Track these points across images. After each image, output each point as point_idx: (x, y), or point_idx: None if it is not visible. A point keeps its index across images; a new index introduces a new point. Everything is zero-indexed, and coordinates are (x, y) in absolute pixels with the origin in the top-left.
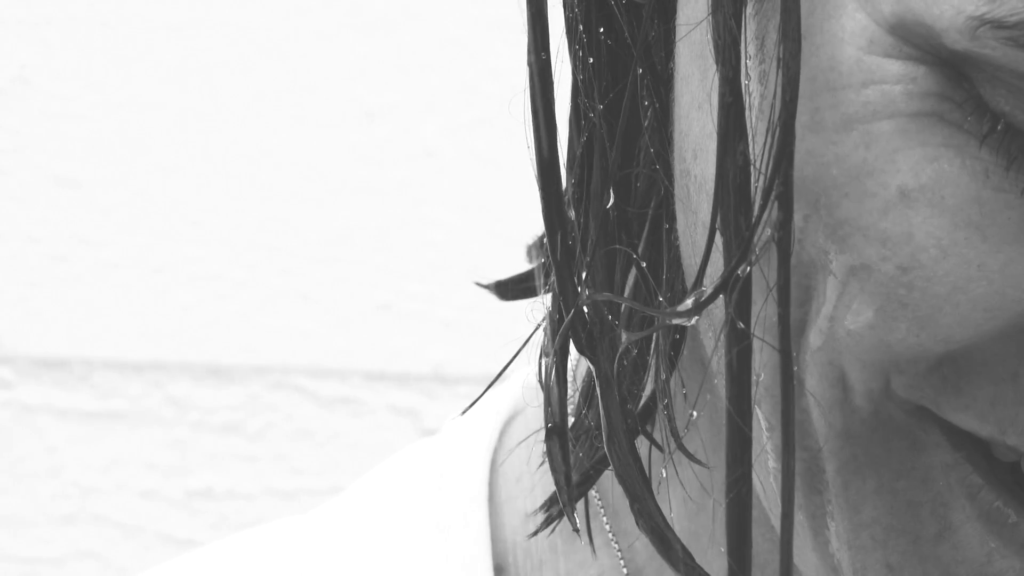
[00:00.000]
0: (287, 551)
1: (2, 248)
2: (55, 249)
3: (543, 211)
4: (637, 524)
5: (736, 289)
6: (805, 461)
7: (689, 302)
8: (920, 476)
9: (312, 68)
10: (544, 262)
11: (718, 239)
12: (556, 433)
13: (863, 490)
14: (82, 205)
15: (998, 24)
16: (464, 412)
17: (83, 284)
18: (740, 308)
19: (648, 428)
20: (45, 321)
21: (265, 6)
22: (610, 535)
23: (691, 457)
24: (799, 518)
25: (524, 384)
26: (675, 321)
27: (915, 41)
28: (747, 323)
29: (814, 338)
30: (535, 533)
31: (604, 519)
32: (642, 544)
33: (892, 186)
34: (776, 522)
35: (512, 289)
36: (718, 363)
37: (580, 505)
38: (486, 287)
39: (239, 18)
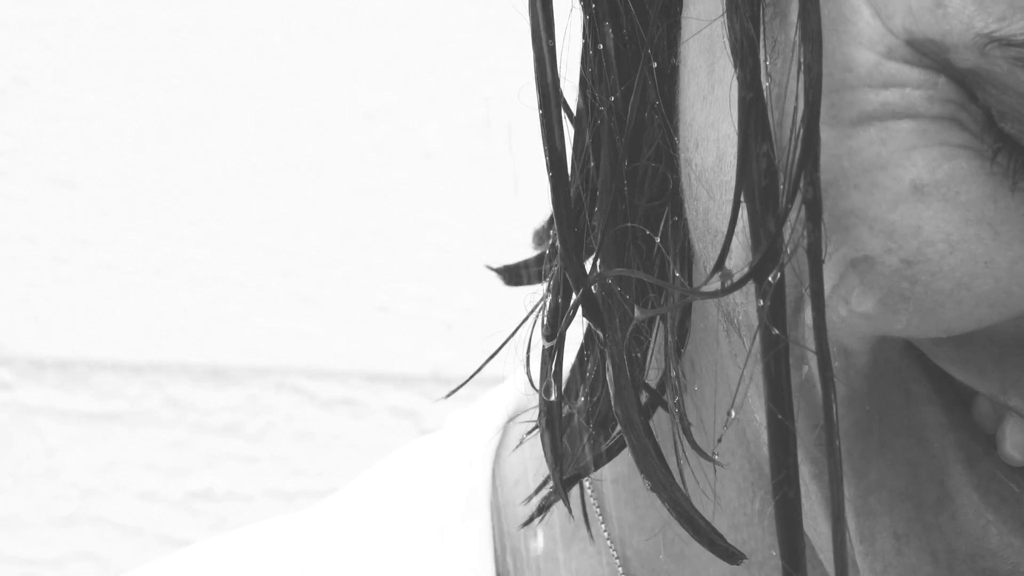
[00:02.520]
0: (281, 549)
1: (1, 249)
2: (54, 250)
3: (552, 195)
4: (648, 485)
5: (769, 295)
6: (813, 432)
7: (715, 285)
8: (917, 435)
9: (311, 69)
10: (551, 246)
11: (739, 232)
12: (549, 413)
13: (866, 452)
14: (81, 206)
15: (1007, 42)
16: (447, 396)
17: (82, 285)
18: (774, 314)
19: (650, 421)
20: (44, 322)
21: (264, 7)
22: (608, 542)
23: (704, 454)
24: (812, 488)
25: (524, 383)
26: (694, 298)
27: (928, 55)
28: (783, 330)
29: (809, 319)
30: (527, 523)
31: (602, 525)
32: (633, 551)
33: (905, 180)
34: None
35: (519, 274)
36: (739, 363)
37: (577, 505)
38: (496, 270)
39: (238, 19)
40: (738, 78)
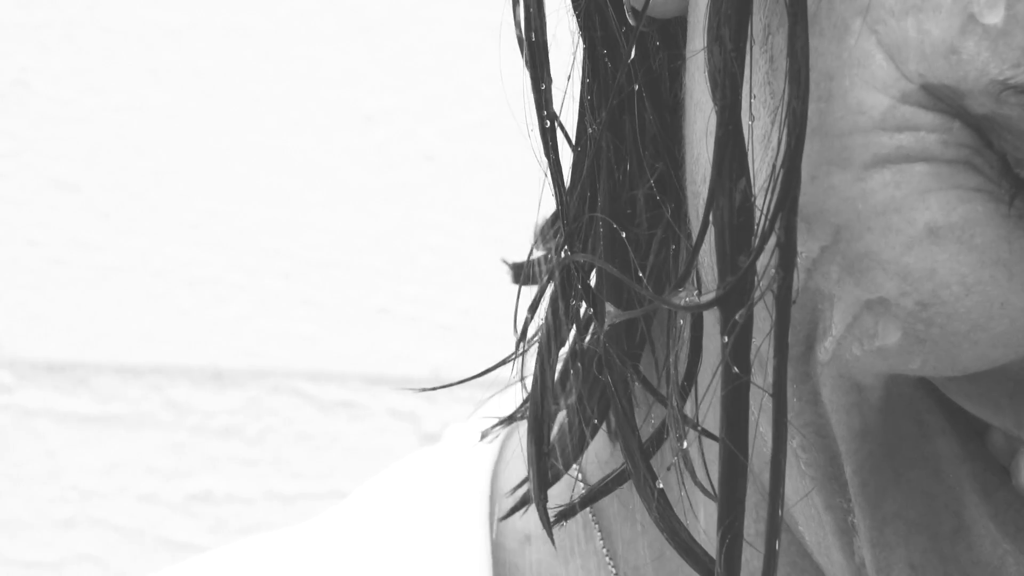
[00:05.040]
0: (288, 559)
1: (1, 251)
2: (54, 252)
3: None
4: (645, 505)
5: (735, 333)
6: (824, 465)
7: (687, 298)
8: (931, 467)
9: (311, 72)
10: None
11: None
12: (537, 421)
13: (881, 484)
14: (81, 208)
15: (1021, 89)
16: (423, 391)
17: (82, 288)
18: (737, 353)
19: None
20: (44, 325)
21: (264, 10)
22: (607, 558)
23: (706, 491)
24: (826, 519)
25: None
26: (662, 305)
27: (943, 100)
28: (745, 369)
29: (822, 355)
30: (507, 515)
31: (600, 541)
32: (631, 567)
33: (920, 223)
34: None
35: (528, 272)
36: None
37: (577, 520)
38: (511, 266)
39: (238, 22)
40: (716, 113)
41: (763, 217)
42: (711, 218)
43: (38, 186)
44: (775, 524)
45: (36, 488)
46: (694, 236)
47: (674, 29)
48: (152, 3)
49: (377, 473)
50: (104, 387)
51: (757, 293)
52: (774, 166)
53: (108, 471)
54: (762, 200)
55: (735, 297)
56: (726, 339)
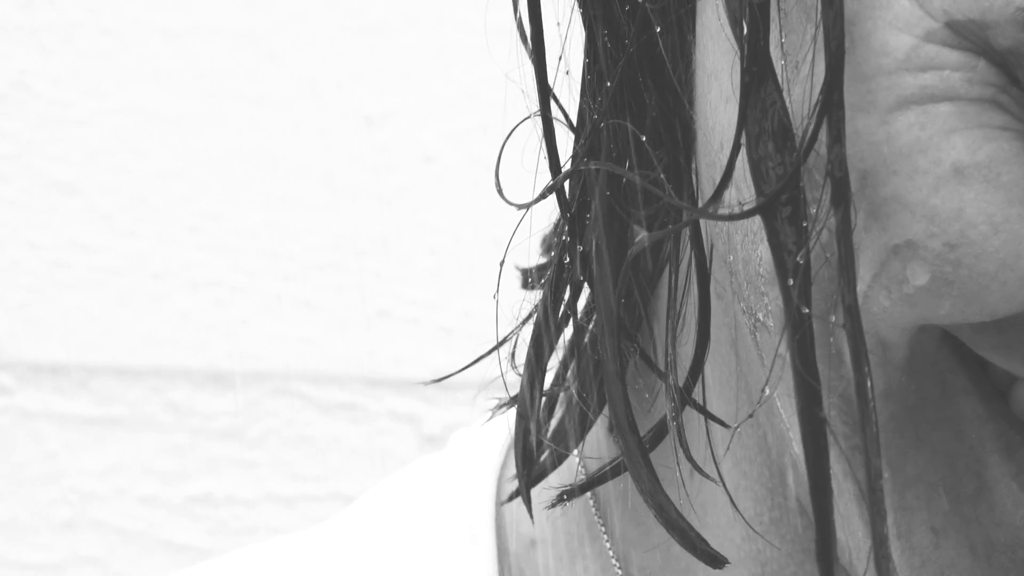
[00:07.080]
0: (300, 564)
1: (2, 253)
2: (54, 255)
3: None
4: (637, 488)
5: (799, 275)
6: (845, 431)
7: (725, 210)
8: (954, 427)
9: (311, 74)
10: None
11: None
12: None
13: (902, 447)
14: (81, 211)
15: None
16: (422, 384)
17: (82, 290)
18: (803, 294)
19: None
20: (44, 327)
21: (265, 12)
22: (612, 559)
23: (699, 470)
24: (845, 488)
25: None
26: (699, 217)
27: (968, 37)
28: (811, 305)
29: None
30: (505, 502)
31: (607, 543)
32: (637, 568)
33: (946, 163)
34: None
35: (536, 277)
36: (767, 363)
37: (580, 520)
38: (522, 271)
39: (238, 24)
40: (738, 56)
41: (800, 146)
42: (742, 139)
43: (38, 188)
44: (876, 473)
45: (36, 490)
46: (706, 230)
47: (679, 9)
48: (153, 5)
49: (378, 475)
50: (104, 389)
51: (812, 237)
52: (809, 98)
53: (108, 473)
54: (799, 143)
55: (773, 203)
56: (791, 281)
